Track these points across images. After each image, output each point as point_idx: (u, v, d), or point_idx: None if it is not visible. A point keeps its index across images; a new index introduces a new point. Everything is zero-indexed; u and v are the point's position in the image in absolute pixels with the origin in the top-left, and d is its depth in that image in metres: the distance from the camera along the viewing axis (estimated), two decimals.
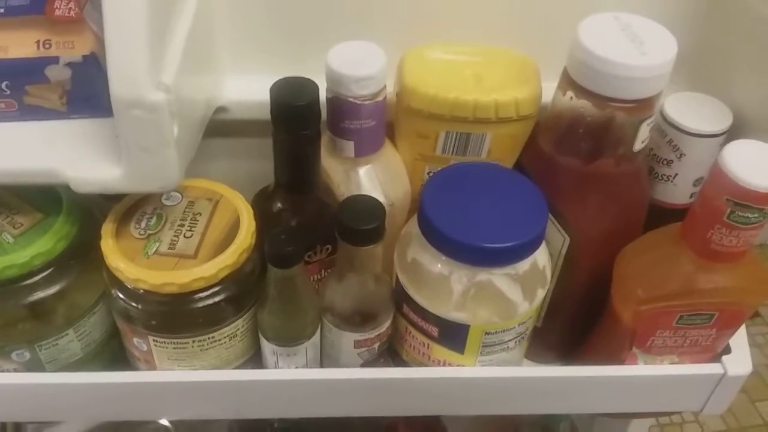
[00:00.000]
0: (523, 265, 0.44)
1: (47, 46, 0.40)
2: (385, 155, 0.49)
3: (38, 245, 0.43)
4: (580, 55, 0.43)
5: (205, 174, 0.48)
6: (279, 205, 0.47)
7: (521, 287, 0.44)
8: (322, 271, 0.50)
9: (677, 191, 0.50)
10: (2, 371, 0.46)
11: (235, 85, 0.53)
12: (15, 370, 0.46)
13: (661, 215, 0.50)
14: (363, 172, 0.49)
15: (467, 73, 0.49)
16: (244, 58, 0.53)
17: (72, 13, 0.40)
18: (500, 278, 0.44)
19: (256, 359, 0.49)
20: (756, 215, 0.40)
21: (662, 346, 0.47)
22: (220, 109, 0.52)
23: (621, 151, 0.46)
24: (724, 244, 0.41)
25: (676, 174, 0.49)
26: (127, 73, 0.36)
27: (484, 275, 0.43)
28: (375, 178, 0.49)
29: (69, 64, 0.40)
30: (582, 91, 0.44)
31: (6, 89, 0.41)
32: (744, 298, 0.44)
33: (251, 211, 0.46)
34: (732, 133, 0.48)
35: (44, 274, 0.44)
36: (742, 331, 0.49)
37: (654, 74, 0.42)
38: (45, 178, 0.40)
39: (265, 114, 0.45)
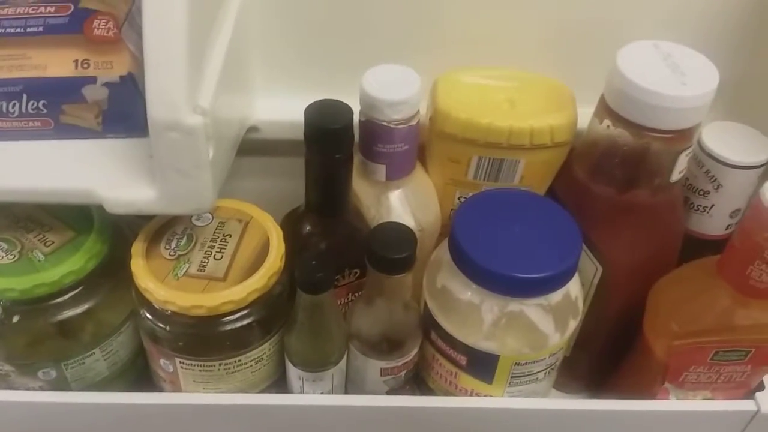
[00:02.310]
0: (556, 296, 0.43)
1: (85, 65, 0.40)
2: (416, 179, 0.49)
3: (69, 264, 0.43)
4: (620, 83, 0.42)
5: (233, 192, 0.48)
6: (308, 227, 0.47)
7: (553, 318, 0.44)
8: (350, 295, 0.50)
9: (713, 222, 0.49)
10: (28, 389, 0.46)
11: (266, 106, 0.53)
12: (41, 388, 0.46)
13: (696, 246, 0.49)
14: (394, 196, 0.48)
15: (501, 98, 0.49)
16: (276, 78, 0.53)
17: (111, 33, 0.40)
18: (532, 309, 0.43)
19: (280, 383, 0.48)
20: None
21: (695, 382, 0.46)
22: (252, 129, 0.53)
23: (657, 182, 0.45)
24: (763, 281, 0.41)
25: (713, 205, 0.48)
26: (166, 96, 0.35)
27: (515, 305, 0.43)
28: (406, 202, 0.49)
29: (106, 84, 0.40)
30: (620, 120, 0.43)
31: (43, 108, 0.41)
32: None
33: (281, 234, 0.46)
34: None
35: (74, 292, 0.44)
36: None
37: (695, 105, 0.42)
38: (80, 198, 0.39)
39: (296, 134, 0.44)
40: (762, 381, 0.48)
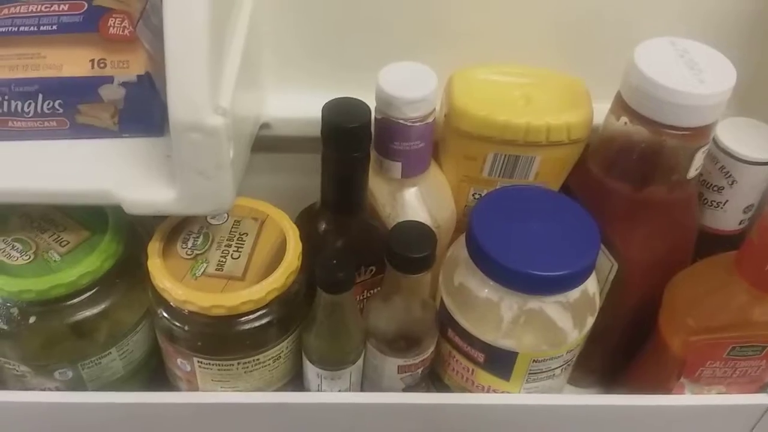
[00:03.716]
0: (575, 293, 0.43)
1: (102, 65, 0.39)
2: (431, 176, 0.49)
3: (85, 264, 0.43)
4: (637, 80, 0.42)
5: (243, 188, 0.48)
6: (324, 225, 0.47)
7: (572, 315, 0.44)
8: (365, 292, 0.50)
9: (727, 218, 0.49)
10: (44, 389, 0.46)
11: (279, 102, 0.52)
12: (57, 389, 0.46)
13: (709, 241, 0.49)
14: (409, 193, 0.48)
15: (516, 95, 0.48)
16: (289, 75, 0.52)
17: (126, 31, 0.40)
18: (551, 306, 0.43)
19: (296, 380, 0.48)
20: None
21: (711, 377, 0.47)
22: (264, 126, 0.52)
23: (674, 178, 0.45)
24: None
25: (727, 201, 0.49)
26: (187, 97, 0.35)
27: (535, 303, 0.43)
28: (421, 199, 0.48)
29: (123, 84, 0.40)
30: (637, 117, 0.43)
31: (59, 107, 0.40)
32: None
33: (297, 232, 0.45)
34: None
35: (90, 293, 0.44)
36: None
37: (713, 102, 0.42)
38: (98, 199, 0.39)
39: (307, 131, 0.44)
40: None
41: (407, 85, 0.44)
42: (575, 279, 0.42)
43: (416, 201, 0.48)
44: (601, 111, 0.47)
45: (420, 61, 0.46)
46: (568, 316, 0.44)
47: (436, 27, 0.50)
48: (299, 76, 0.53)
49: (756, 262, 0.41)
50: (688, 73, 0.42)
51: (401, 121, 0.44)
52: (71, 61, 0.40)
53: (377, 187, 0.48)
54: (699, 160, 0.44)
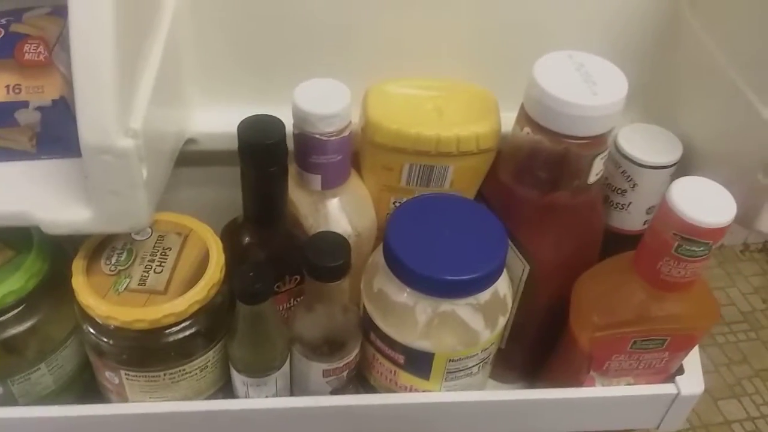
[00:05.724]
0: (485, 295, 0.46)
1: (17, 90, 0.41)
2: (351, 187, 0.51)
3: (10, 283, 0.44)
4: (536, 93, 0.45)
5: (172, 202, 0.49)
6: (247, 238, 0.49)
7: (483, 316, 0.46)
8: (291, 300, 0.51)
9: (631, 219, 0.52)
10: None
11: (204, 118, 0.54)
12: None
13: (617, 241, 0.52)
14: (331, 204, 0.50)
15: (429, 107, 0.51)
16: (212, 91, 0.54)
17: (41, 57, 0.41)
18: (463, 308, 0.45)
19: (226, 388, 0.50)
20: (702, 249, 0.42)
21: (618, 369, 0.49)
22: (189, 141, 0.54)
23: (576, 184, 0.48)
24: (672, 275, 0.44)
25: (630, 202, 0.51)
26: (96, 121, 0.36)
27: (447, 306, 0.45)
28: (342, 209, 0.50)
29: (38, 108, 0.41)
30: (538, 128, 0.46)
31: None
32: (694, 323, 0.47)
33: (220, 245, 0.47)
34: (682, 164, 0.50)
35: (16, 311, 0.45)
36: (695, 351, 0.51)
37: (606, 113, 0.44)
38: (17, 221, 0.40)
39: (234, 145, 0.46)
40: (681, 365, 0.51)
41: (321, 101, 0.46)
42: (483, 282, 0.45)
43: (337, 211, 0.50)
44: (511, 120, 0.50)
45: (338, 75, 0.48)
46: (480, 317, 0.46)
47: (353, 43, 0.52)
48: (223, 92, 0.54)
49: (650, 262, 0.44)
50: (583, 85, 0.45)
51: (317, 136, 0.46)
52: None
53: (299, 198, 0.50)
54: (598, 166, 0.47)
